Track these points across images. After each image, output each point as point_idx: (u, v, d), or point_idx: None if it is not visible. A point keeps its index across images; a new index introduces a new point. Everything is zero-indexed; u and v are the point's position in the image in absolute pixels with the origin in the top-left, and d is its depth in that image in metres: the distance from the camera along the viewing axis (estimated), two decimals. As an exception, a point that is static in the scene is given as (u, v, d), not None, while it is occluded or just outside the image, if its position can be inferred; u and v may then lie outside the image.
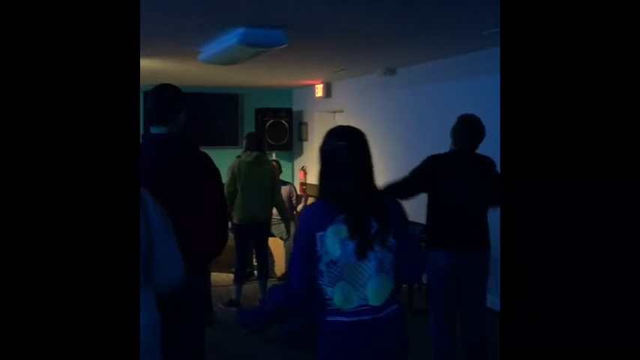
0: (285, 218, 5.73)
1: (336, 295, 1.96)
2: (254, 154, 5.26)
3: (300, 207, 6.60)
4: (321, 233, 1.95)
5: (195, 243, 2.32)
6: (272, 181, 5.40)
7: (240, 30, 3.93)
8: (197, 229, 2.40)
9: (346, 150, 2.02)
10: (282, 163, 7.01)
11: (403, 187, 3.30)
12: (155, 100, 2.56)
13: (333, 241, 1.95)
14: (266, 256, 5.65)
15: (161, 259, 1.87)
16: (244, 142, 5.56)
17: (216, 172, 2.59)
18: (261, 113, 8.28)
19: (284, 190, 6.41)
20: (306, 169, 8.24)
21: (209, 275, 3.29)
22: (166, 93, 2.58)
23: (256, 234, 5.35)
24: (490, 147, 3.18)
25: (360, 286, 1.98)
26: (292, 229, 6.19)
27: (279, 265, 6.36)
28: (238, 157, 5.48)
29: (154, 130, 2.55)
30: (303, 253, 1.99)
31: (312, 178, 7.91)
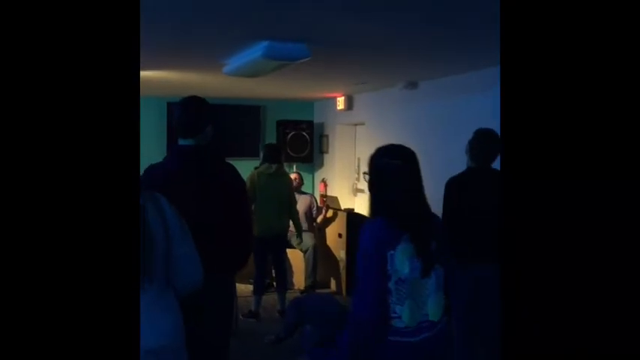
0: (299, 231, 5.78)
1: (405, 312, 1.97)
2: (273, 166, 5.30)
3: (320, 218, 6.59)
4: (392, 252, 1.95)
5: (222, 252, 2.35)
6: (289, 193, 5.45)
7: (264, 43, 3.97)
8: (224, 239, 2.43)
9: (404, 168, 2.05)
10: (303, 175, 7.03)
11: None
12: (183, 112, 2.60)
13: (402, 259, 1.95)
14: (284, 267, 5.67)
15: (180, 262, 1.87)
16: (262, 154, 5.59)
17: (242, 184, 2.63)
18: (283, 125, 8.32)
19: (305, 201, 6.44)
20: (326, 181, 8.25)
21: (234, 285, 3.31)
22: (194, 105, 2.62)
23: (274, 246, 5.38)
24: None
25: (422, 302, 2.00)
26: (311, 241, 6.20)
27: (299, 277, 6.36)
28: (256, 168, 5.52)
29: (181, 142, 2.59)
30: (375, 273, 1.94)
31: (333, 191, 7.92)
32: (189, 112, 2.59)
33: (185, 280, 1.91)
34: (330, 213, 6.63)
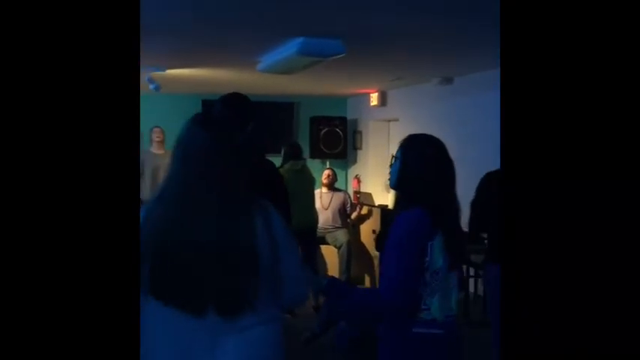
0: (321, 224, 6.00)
1: (435, 305, 1.95)
2: (299, 162, 5.38)
3: (354, 215, 6.58)
4: (431, 243, 1.93)
5: None
6: (314, 188, 5.71)
7: (299, 40, 3.97)
8: None
9: (436, 160, 2.04)
10: (336, 171, 7.02)
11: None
12: (225, 108, 2.61)
13: (438, 251, 1.94)
14: (315, 262, 5.72)
15: (286, 278, 1.76)
16: (283, 153, 5.57)
17: (282, 180, 2.64)
18: (316, 121, 8.32)
19: (338, 197, 6.45)
20: (360, 178, 8.23)
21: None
22: (236, 102, 2.63)
23: (305, 240, 5.40)
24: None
25: (448, 295, 1.99)
26: (344, 237, 6.20)
27: (333, 273, 6.36)
28: (281, 166, 5.51)
29: None
30: (414, 263, 1.92)
31: (366, 187, 7.90)
32: (231, 108, 2.60)
33: (290, 296, 1.81)
34: (364, 210, 6.61)
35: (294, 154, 5.48)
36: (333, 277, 2.16)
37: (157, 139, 6.94)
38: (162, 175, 6.75)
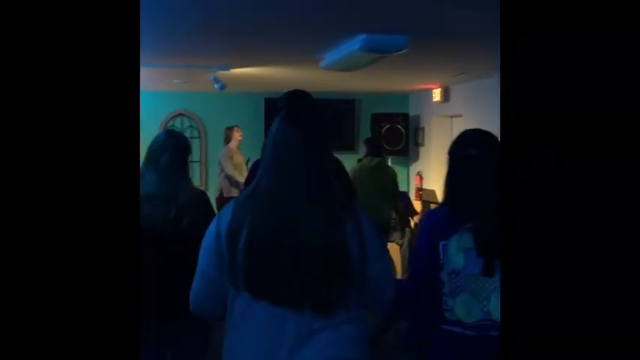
0: (403, 223, 5.75)
1: (457, 306, 1.91)
2: (375, 159, 5.34)
3: (416, 218, 6.54)
4: (444, 242, 1.91)
5: None
6: (392, 186, 5.45)
7: (362, 36, 3.97)
8: None
9: (478, 160, 1.95)
10: (398, 168, 6.99)
11: None
12: (288, 105, 2.63)
13: (457, 251, 1.90)
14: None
15: (373, 283, 1.74)
16: (363, 148, 5.64)
17: (348, 177, 2.65)
18: (378, 118, 8.29)
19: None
20: (422, 175, 8.16)
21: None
22: (303, 98, 2.65)
23: None
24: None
25: (483, 299, 1.90)
26: (406, 235, 6.18)
27: (396, 271, 6.34)
28: (359, 161, 5.58)
29: None
30: (423, 260, 1.95)
31: (429, 184, 7.82)
32: (295, 104, 2.62)
33: (377, 300, 1.80)
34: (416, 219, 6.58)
35: (369, 150, 5.50)
36: None
37: (240, 138, 7.13)
38: (238, 172, 6.95)
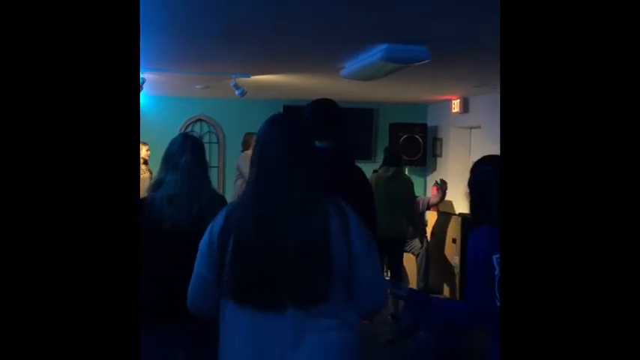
0: (420, 232, 5.71)
1: None
2: (391, 169, 5.31)
3: (435, 200, 6.45)
4: (497, 255, 1.96)
5: None
6: (408, 196, 5.41)
7: (384, 46, 3.98)
8: None
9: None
10: (415, 178, 6.98)
11: None
12: (315, 114, 2.63)
13: None
14: (400, 271, 5.65)
15: (363, 285, 1.73)
16: (383, 157, 5.61)
17: (370, 187, 2.65)
18: (396, 128, 8.29)
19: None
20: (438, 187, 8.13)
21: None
22: (326, 107, 2.66)
23: (390, 248, 5.36)
24: None
25: None
26: (421, 244, 6.15)
27: (412, 281, 6.31)
28: (375, 171, 5.55)
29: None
30: (479, 276, 1.99)
31: (447, 195, 7.78)
32: (321, 114, 2.63)
33: (367, 303, 1.77)
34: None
35: (387, 159, 5.47)
36: (411, 288, 2.21)
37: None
38: None
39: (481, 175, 2.13)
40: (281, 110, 7.92)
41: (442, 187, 6.11)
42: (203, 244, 1.78)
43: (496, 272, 1.96)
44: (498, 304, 1.96)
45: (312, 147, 1.79)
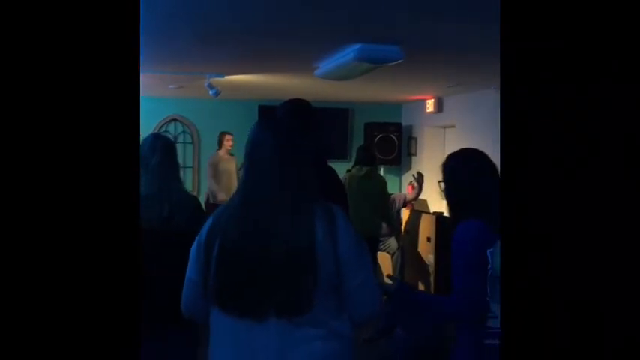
0: (395, 230, 5.73)
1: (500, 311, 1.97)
2: (364, 168, 5.31)
3: (411, 196, 6.50)
4: (491, 250, 1.96)
5: None
6: (382, 195, 5.42)
7: (357, 46, 3.99)
8: None
9: (484, 172, 2.08)
10: (390, 177, 7.03)
11: None
12: (287, 114, 2.62)
13: (499, 257, 1.94)
14: (375, 270, 5.67)
15: (354, 293, 1.65)
16: (355, 157, 5.60)
17: (343, 187, 2.65)
18: (371, 128, 8.32)
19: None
20: (414, 185, 8.18)
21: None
22: (299, 107, 2.65)
23: None
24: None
25: None
26: (396, 243, 6.17)
27: (386, 280, 6.34)
28: (348, 171, 5.55)
29: None
30: (472, 269, 1.97)
31: (421, 194, 7.83)
32: (294, 114, 2.62)
33: (360, 311, 1.68)
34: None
35: (360, 158, 5.45)
36: (401, 281, 2.19)
37: (229, 145, 7.16)
38: (234, 178, 7.01)
39: (453, 169, 2.13)
40: (256, 110, 7.91)
41: (419, 180, 6.09)
42: (193, 248, 1.74)
43: (489, 267, 1.95)
44: (487, 300, 1.96)
45: (302, 148, 1.72)
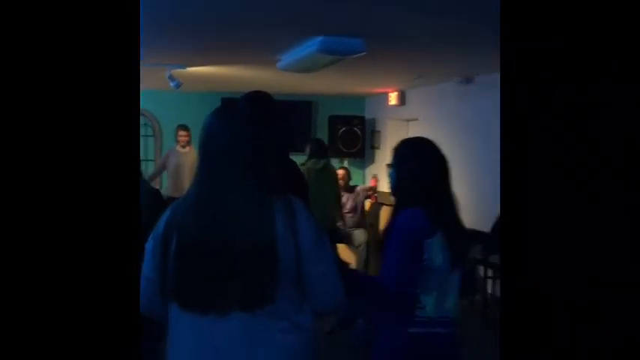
0: (363, 222, 5.87)
1: (430, 303, 1.96)
2: (321, 161, 5.32)
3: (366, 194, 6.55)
4: (429, 240, 1.95)
5: None
6: (337, 187, 5.58)
7: (319, 38, 3.97)
8: None
9: (437, 161, 2.07)
10: (354, 170, 7.03)
11: None
12: (248, 106, 2.59)
13: (437, 249, 1.95)
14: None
15: (315, 283, 1.63)
16: (309, 149, 5.54)
17: (305, 181, 2.64)
18: (334, 121, 8.32)
19: (354, 197, 6.48)
20: (377, 177, 8.22)
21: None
22: (259, 99, 2.62)
23: None
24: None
25: (445, 296, 1.99)
26: (363, 237, 6.20)
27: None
28: (303, 164, 5.50)
29: None
30: (407, 258, 1.95)
31: (384, 187, 7.88)
32: (256, 106, 2.59)
33: (322, 303, 1.67)
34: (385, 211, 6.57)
35: (315, 151, 5.43)
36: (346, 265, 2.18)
37: (181, 140, 7.07)
38: (185, 172, 6.92)
39: (402, 154, 2.11)
40: (219, 103, 7.83)
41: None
42: (148, 244, 1.68)
43: (425, 257, 1.93)
44: (419, 288, 1.95)
45: (261, 140, 1.66)
